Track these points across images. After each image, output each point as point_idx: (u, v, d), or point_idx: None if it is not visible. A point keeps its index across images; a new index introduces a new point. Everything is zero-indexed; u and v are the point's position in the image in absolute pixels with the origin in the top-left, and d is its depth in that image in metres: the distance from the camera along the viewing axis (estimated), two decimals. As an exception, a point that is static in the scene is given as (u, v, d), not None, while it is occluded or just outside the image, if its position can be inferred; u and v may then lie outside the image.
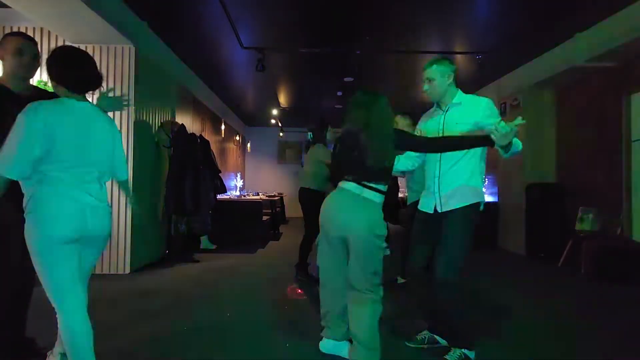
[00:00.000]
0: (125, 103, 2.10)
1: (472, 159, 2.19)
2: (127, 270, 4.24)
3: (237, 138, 9.94)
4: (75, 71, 1.70)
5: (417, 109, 3.59)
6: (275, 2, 4.06)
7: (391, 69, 6.22)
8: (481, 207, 2.21)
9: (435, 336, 2.41)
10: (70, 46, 1.94)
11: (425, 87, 2.30)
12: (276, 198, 8.15)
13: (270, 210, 7.50)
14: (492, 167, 7.07)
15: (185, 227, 5.01)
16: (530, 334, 2.70)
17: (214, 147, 6.37)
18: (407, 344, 2.41)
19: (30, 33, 4.20)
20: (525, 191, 5.72)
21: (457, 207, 2.15)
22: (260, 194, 8.45)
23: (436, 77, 2.24)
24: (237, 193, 8.07)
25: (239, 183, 8.74)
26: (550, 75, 5.25)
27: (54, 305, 1.64)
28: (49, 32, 4.21)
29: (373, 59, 5.63)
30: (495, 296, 3.63)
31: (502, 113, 6.40)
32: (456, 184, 2.18)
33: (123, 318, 2.88)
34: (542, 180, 5.76)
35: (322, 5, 4.11)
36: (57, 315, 1.64)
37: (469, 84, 6.95)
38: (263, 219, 6.64)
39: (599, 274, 4.23)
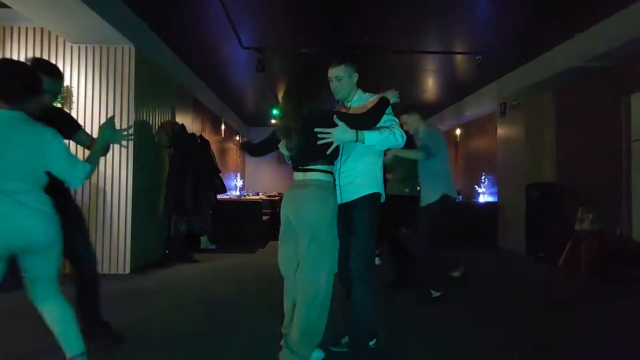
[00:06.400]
0: (126, 137, 2.06)
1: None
2: (127, 270, 4.24)
3: (237, 138, 9.94)
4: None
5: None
6: (275, 2, 4.06)
7: (391, 69, 6.21)
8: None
9: None
10: None
11: (334, 85, 2.35)
12: (276, 198, 8.15)
13: (270, 210, 7.51)
14: (492, 167, 7.09)
15: (185, 227, 5.01)
16: (529, 334, 2.70)
17: (214, 147, 6.37)
18: (332, 348, 2.36)
19: (30, 33, 4.22)
20: (525, 191, 5.72)
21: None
22: (260, 194, 8.45)
23: (344, 76, 2.32)
24: (237, 193, 8.07)
25: (239, 183, 8.73)
26: (550, 75, 5.24)
27: None
28: (49, 32, 4.21)
29: (373, 59, 5.63)
30: (495, 296, 3.63)
31: (502, 113, 6.41)
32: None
33: (122, 318, 2.87)
34: (542, 180, 5.76)
35: (322, 6, 4.11)
36: None
37: (469, 84, 6.95)
38: (263, 219, 6.64)
39: (598, 274, 4.23)
